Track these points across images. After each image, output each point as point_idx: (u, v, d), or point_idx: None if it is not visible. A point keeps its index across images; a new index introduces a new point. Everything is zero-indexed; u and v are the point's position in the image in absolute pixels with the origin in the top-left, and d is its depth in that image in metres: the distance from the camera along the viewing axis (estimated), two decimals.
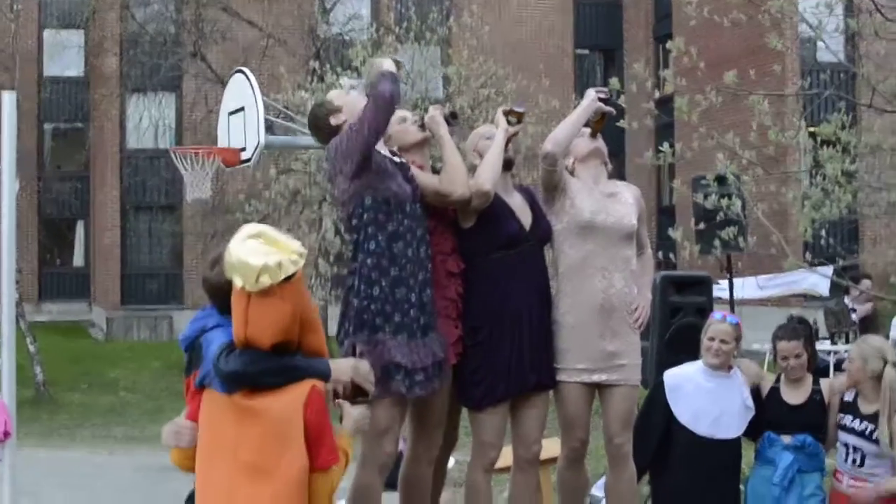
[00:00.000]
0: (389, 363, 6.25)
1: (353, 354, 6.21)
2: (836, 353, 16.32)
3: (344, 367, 5.03)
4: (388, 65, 6.46)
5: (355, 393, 5.11)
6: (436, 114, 6.86)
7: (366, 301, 6.29)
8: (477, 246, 6.74)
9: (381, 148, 6.46)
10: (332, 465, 4.83)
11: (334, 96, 6.78)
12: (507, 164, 6.92)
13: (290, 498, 4.71)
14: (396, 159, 6.54)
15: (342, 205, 6.47)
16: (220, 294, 5.01)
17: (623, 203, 7.13)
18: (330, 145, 6.44)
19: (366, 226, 6.32)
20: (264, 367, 4.79)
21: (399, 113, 6.94)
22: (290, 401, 4.76)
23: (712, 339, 7.65)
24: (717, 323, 7.74)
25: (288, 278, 4.69)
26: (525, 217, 6.90)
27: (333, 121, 6.59)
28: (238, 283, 4.68)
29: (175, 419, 5.32)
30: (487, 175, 6.70)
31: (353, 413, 5.20)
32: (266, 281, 4.63)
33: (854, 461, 7.57)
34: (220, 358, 4.88)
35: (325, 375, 4.91)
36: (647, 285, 7.39)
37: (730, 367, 7.74)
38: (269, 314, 4.71)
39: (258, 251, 4.66)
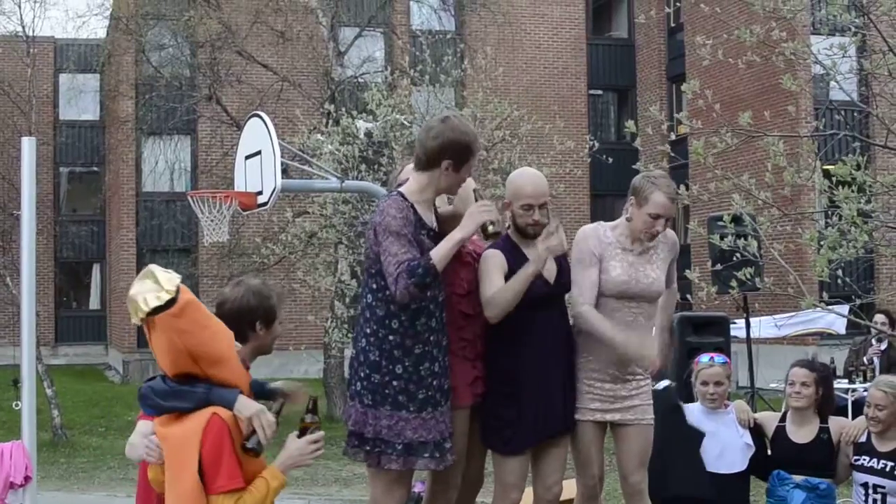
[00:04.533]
0: (412, 441, 6.30)
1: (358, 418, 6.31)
2: (853, 391, 16.27)
3: (250, 405, 5.02)
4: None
5: (248, 436, 5.03)
6: None
7: (388, 377, 6.28)
8: None
9: (425, 215, 6.44)
10: (230, 490, 4.87)
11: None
12: (533, 237, 6.90)
13: None
14: (433, 225, 6.50)
15: (368, 268, 6.44)
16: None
17: (654, 263, 7.11)
18: (378, 221, 6.30)
19: (389, 302, 6.28)
20: (160, 389, 5.05)
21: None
22: (190, 426, 4.92)
23: (706, 383, 7.76)
24: (707, 367, 7.83)
25: (159, 311, 4.84)
26: (549, 270, 6.87)
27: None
28: (133, 319, 4.95)
29: (144, 434, 5.46)
30: (498, 307, 6.65)
31: (290, 447, 5.21)
32: (140, 314, 4.86)
33: (875, 501, 7.57)
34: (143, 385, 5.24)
35: (226, 403, 4.97)
36: (666, 326, 7.39)
37: (726, 406, 7.84)
38: (156, 345, 4.98)
39: (140, 288, 4.89)
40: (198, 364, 4.95)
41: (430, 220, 6.49)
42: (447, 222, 6.59)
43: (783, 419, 7.89)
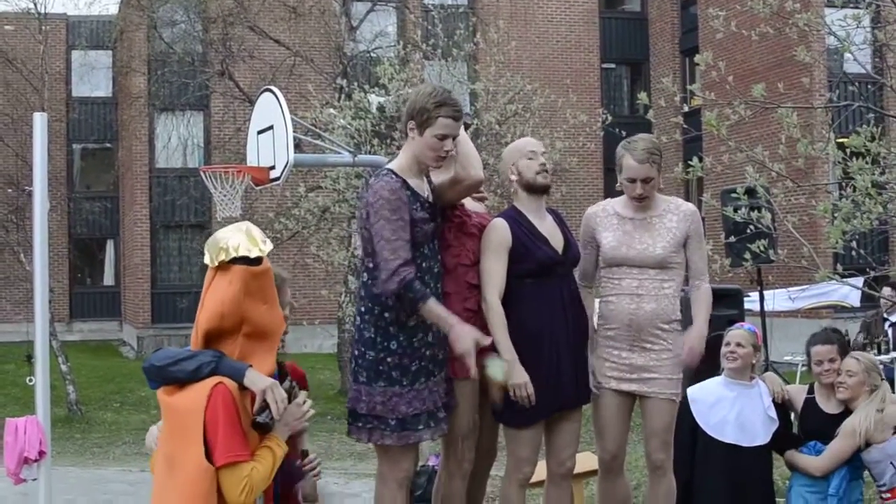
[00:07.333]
0: (406, 415, 6.32)
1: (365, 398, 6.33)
2: None
3: (262, 379, 4.92)
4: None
5: (260, 411, 4.93)
6: None
7: (382, 353, 6.30)
8: (511, 272, 6.74)
9: (418, 186, 6.44)
10: (233, 462, 4.77)
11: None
12: (543, 189, 6.96)
13: (191, 490, 4.78)
14: (427, 195, 6.51)
15: (364, 247, 6.45)
16: None
17: (655, 231, 7.07)
18: (371, 202, 6.28)
19: None
20: (166, 355, 5.02)
21: None
22: (195, 396, 4.82)
23: (728, 343, 7.76)
24: (733, 330, 7.86)
25: (242, 262, 4.89)
26: (556, 240, 6.90)
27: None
28: (206, 259, 4.98)
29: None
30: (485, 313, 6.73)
31: (284, 415, 5.06)
32: (222, 256, 4.90)
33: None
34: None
35: (236, 374, 4.87)
36: (702, 317, 7.10)
37: (752, 378, 7.81)
38: (217, 291, 4.91)
39: (232, 235, 4.97)
40: (240, 328, 4.93)
41: (423, 190, 6.50)
42: (444, 192, 6.62)
43: (811, 391, 7.91)
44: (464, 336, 6.11)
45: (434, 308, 6.17)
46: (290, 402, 5.09)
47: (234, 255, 4.88)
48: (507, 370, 6.53)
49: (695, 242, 7.14)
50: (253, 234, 4.99)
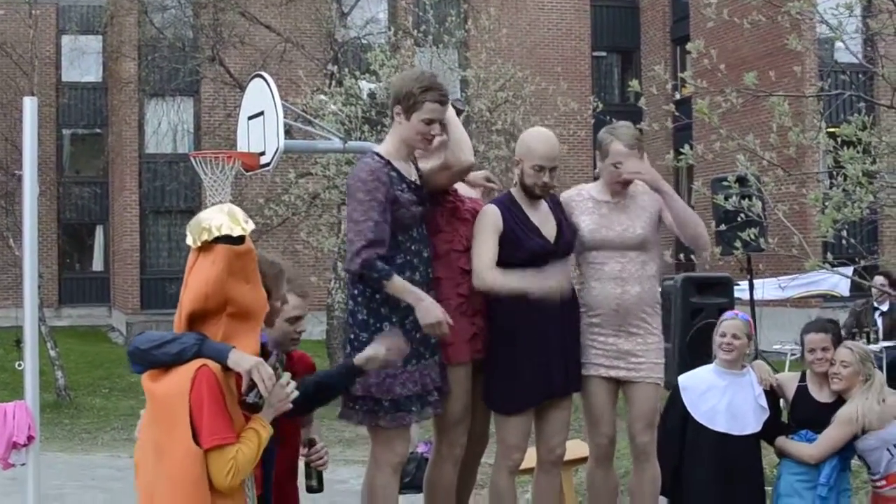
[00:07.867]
0: (400, 397, 6.35)
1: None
2: None
3: (247, 358, 4.87)
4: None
5: (248, 391, 4.98)
6: None
7: (376, 335, 6.29)
8: (502, 260, 6.73)
9: (404, 169, 6.48)
10: (219, 444, 4.75)
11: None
12: (537, 198, 6.95)
13: (181, 475, 4.76)
14: (414, 178, 6.54)
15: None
16: None
17: (631, 212, 7.15)
18: (350, 183, 6.42)
19: None
20: (149, 339, 4.96)
21: None
22: (179, 380, 4.79)
23: (724, 334, 7.73)
24: (729, 319, 7.84)
25: (225, 242, 4.88)
26: (549, 228, 6.90)
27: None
28: (188, 240, 4.96)
29: None
30: (484, 288, 6.74)
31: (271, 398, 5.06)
32: (205, 236, 4.88)
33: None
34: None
35: (219, 356, 4.84)
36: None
37: (742, 367, 7.80)
38: (201, 272, 4.89)
39: (214, 216, 4.96)
40: (224, 308, 4.90)
41: (409, 172, 6.54)
42: (432, 177, 6.65)
43: (802, 379, 7.90)
44: (431, 309, 6.19)
45: (399, 284, 6.22)
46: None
47: (216, 234, 4.87)
48: (536, 282, 6.61)
49: (667, 204, 7.19)
50: (235, 214, 4.97)
